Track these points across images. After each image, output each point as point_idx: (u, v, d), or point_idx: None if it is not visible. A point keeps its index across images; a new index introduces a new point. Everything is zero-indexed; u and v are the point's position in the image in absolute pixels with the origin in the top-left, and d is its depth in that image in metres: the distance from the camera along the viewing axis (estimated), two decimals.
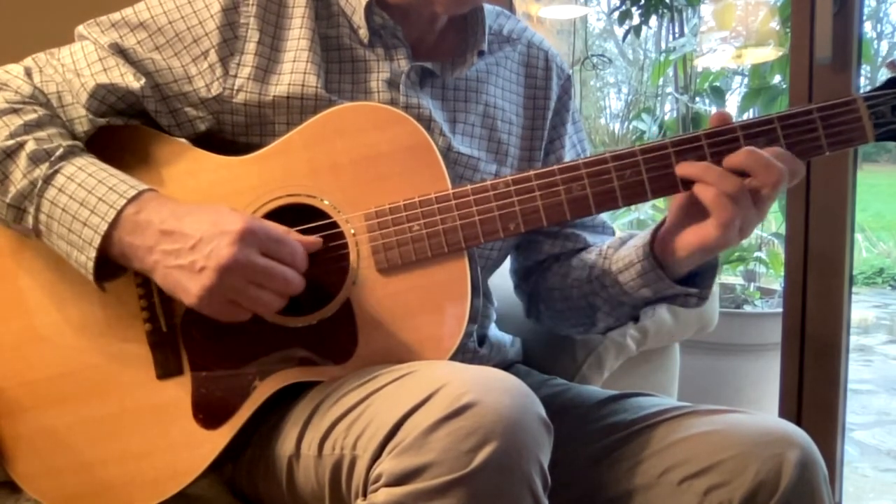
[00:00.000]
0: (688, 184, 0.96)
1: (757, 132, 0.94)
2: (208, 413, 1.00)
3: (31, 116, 1.00)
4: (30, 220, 0.97)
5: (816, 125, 0.93)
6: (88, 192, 0.95)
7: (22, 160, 0.97)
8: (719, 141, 0.95)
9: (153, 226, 0.93)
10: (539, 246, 1.23)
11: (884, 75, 0.94)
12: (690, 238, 0.98)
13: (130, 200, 0.94)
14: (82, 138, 1.04)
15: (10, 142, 0.97)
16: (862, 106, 0.93)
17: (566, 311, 1.21)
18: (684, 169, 0.95)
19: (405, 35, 1.10)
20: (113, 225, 0.94)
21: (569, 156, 1.25)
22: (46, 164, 0.97)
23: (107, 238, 0.94)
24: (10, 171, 0.97)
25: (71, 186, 0.96)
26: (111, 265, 0.97)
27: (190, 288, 0.91)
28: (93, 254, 0.94)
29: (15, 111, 1.00)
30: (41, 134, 0.99)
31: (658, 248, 1.04)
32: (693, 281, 1.06)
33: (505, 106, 1.19)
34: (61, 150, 0.98)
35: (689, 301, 1.07)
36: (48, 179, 0.96)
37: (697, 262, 1.02)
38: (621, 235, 1.16)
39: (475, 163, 1.13)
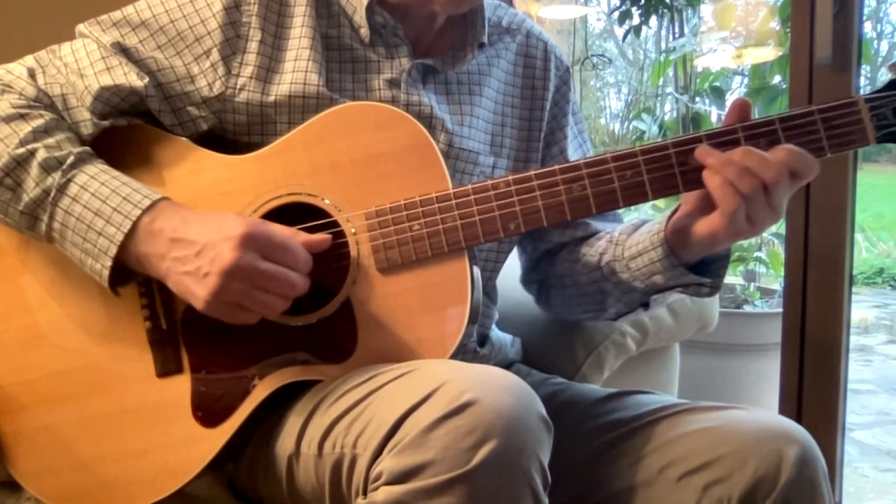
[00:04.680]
0: (689, 184, 0.96)
1: (758, 133, 0.94)
2: (208, 411, 1.00)
3: (39, 122, 1.00)
4: (42, 227, 0.98)
5: (817, 126, 0.93)
6: (102, 201, 0.96)
7: (33, 169, 0.97)
8: (721, 142, 0.95)
9: (164, 234, 0.94)
10: (548, 235, 1.24)
11: (884, 76, 0.94)
12: (701, 228, 0.98)
13: (146, 210, 0.95)
14: (87, 141, 1.04)
15: (21, 150, 0.97)
16: (863, 107, 0.93)
17: (576, 297, 1.22)
18: (701, 154, 0.94)
19: (405, 33, 1.10)
20: (129, 235, 0.95)
21: (571, 147, 1.26)
22: (59, 173, 0.97)
23: (122, 247, 0.95)
24: (22, 180, 0.97)
25: (84, 196, 0.96)
26: (124, 270, 0.98)
27: (197, 293, 0.92)
28: (108, 262, 0.95)
29: (22, 116, 1.00)
30: (50, 140, 0.99)
31: (671, 235, 1.03)
32: (704, 269, 1.06)
33: (504, 98, 1.19)
34: (72, 157, 0.98)
35: (702, 290, 1.08)
36: (61, 188, 0.97)
37: (707, 252, 1.02)
38: (633, 222, 1.15)
39: (475, 157, 1.14)
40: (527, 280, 1.31)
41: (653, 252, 1.05)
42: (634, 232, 1.12)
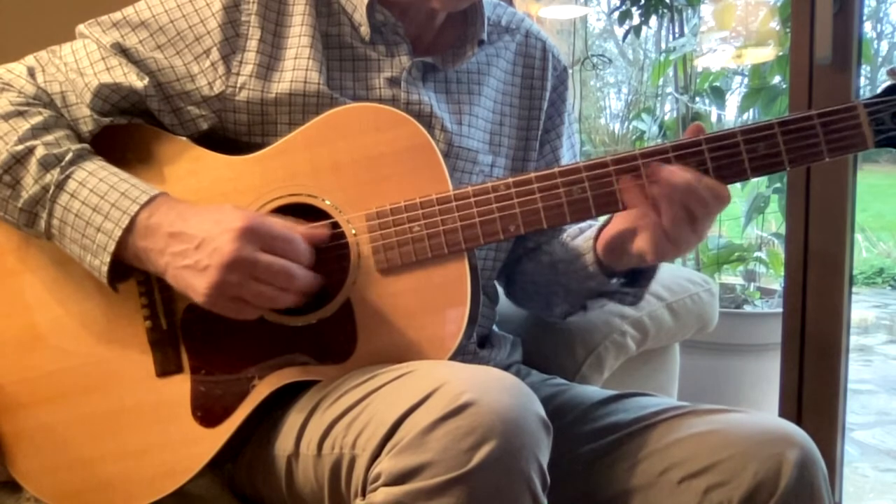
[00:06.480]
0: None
1: (757, 137, 0.94)
2: (207, 411, 1.00)
3: (38, 119, 1.00)
4: (42, 224, 0.98)
5: (817, 131, 0.93)
6: (101, 197, 0.96)
7: (32, 165, 0.97)
8: (719, 146, 0.94)
9: (162, 229, 0.94)
10: (529, 237, 1.25)
11: (884, 78, 0.94)
12: (637, 244, 0.99)
13: (144, 205, 0.95)
14: (87, 138, 1.04)
15: (20, 147, 0.97)
16: (862, 112, 0.92)
17: (532, 293, 1.25)
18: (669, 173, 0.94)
19: (405, 31, 1.10)
20: (127, 230, 0.95)
21: (564, 147, 1.26)
22: (57, 170, 0.97)
23: (121, 243, 0.95)
24: (21, 177, 0.98)
25: (83, 192, 0.96)
26: (123, 266, 0.98)
27: (197, 287, 0.92)
28: (107, 258, 0.95)
29: (21, 114, 1.00)
30: (49, 138, 0.99)
31: (602, 246, 1.05)
32: (633, 278, 1.09)
33: (503, 97, 1.20)
34: (71, 154, 0.98)
35: (625, 299, 1.11)
36: (60, 185, 0.97)
37: (635, 265, 1.05)
38: (581, 225, 1.18)
39: (474, 156, 1.14)
40: (498, 274, 1.32)
41: (585, 257, 1.08)
42: (580, 235, 1.14)
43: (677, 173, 0.93)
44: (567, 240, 1.17)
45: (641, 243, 0.98)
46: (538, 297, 1.24)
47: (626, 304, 1.13)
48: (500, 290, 1.30)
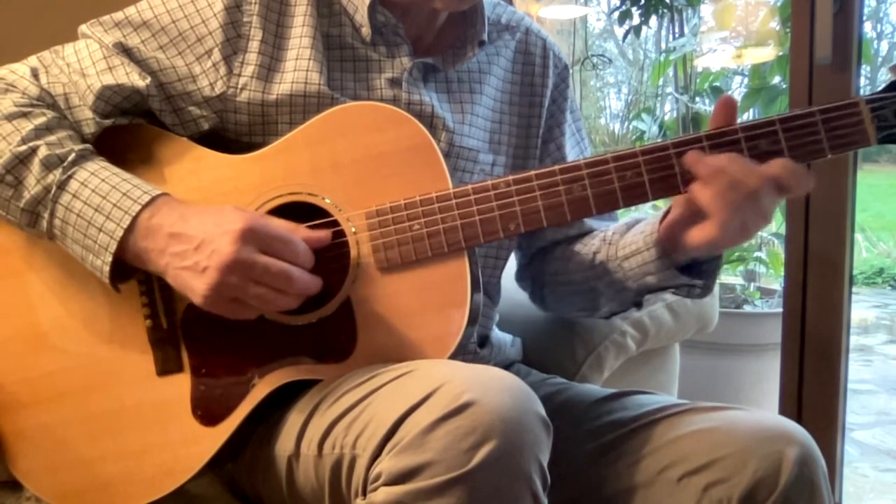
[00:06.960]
0: (689, 185, 0.95)
1: (758, 134, 0.94)
2: (207, 410, 1.00)
3: (41, 120, 1.00)
4: (44, 224, 0.98)
5: (818, 127, 0.93)
6: (103, 197, 0.96)
7: (35, 166, 0.97)
8: (721, 142, 0.94)
9: (163, 229, 0.94)
10: (543, 232, 1.23)
11: (884, 76, 0.93)
12: (697, 236, 0.97)
13: (145, 206, 0.95)
14: (89, 140, 1.04)
15: (23, 147, 0.98)
16: (864, 109, 0.92)
17: (569, 294, 1.22)
18: (690, 162, 0.94)
19: (406, 32, 1.10)
20: (128, 230, 0.95)
21: (569, 144, 1.26)
22: (60, 170, 0.97)
23: (122, 243, 0.95)
24: (23, 177, 0.98)
25: (85, 192, 0.96)
26: (124, 266, 0.98)
27: (196, 288, 0.92)
28: (109, 258, 0.95)
29: (24, 115, 1.00)
30: (52, 138, 0.99)
31: (664, 237, 1.03)
32: (696, 269, 1.06)
33: (503, 96, 1.19)
34: (73, 154, 0.99)
35: (693, 291, 1.08)
36: (62, 185, 0.97)
37: (702, 255, 1.02)
38: (626, 220, 1.15)
39: (475, 155, 1.14)
40: (521, 277, 1.31)
41: (646, 253, 1.05)
42: (628, 231, 1.12)
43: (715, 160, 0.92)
44: (614, 237, 1.14)
45: (710, 230, 0.95)
46: (578, 298, 1.22)
47: (694, 297, 1.09)
48: (501, 291, 1.30)
